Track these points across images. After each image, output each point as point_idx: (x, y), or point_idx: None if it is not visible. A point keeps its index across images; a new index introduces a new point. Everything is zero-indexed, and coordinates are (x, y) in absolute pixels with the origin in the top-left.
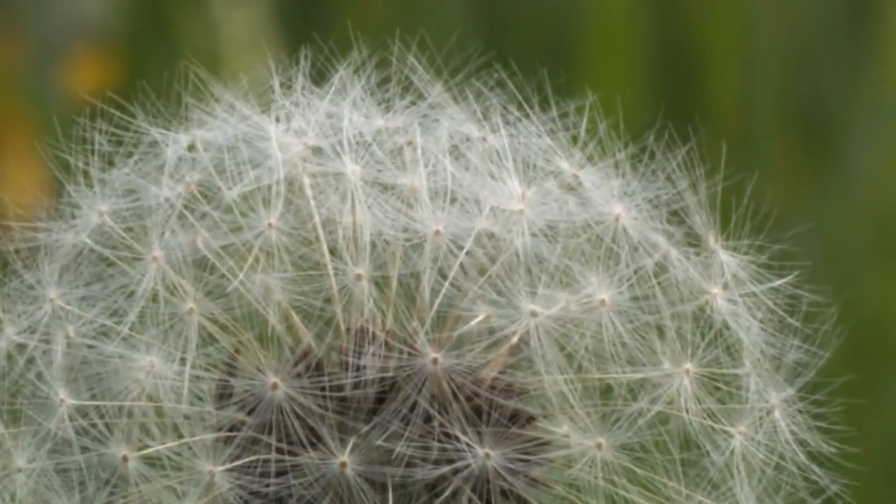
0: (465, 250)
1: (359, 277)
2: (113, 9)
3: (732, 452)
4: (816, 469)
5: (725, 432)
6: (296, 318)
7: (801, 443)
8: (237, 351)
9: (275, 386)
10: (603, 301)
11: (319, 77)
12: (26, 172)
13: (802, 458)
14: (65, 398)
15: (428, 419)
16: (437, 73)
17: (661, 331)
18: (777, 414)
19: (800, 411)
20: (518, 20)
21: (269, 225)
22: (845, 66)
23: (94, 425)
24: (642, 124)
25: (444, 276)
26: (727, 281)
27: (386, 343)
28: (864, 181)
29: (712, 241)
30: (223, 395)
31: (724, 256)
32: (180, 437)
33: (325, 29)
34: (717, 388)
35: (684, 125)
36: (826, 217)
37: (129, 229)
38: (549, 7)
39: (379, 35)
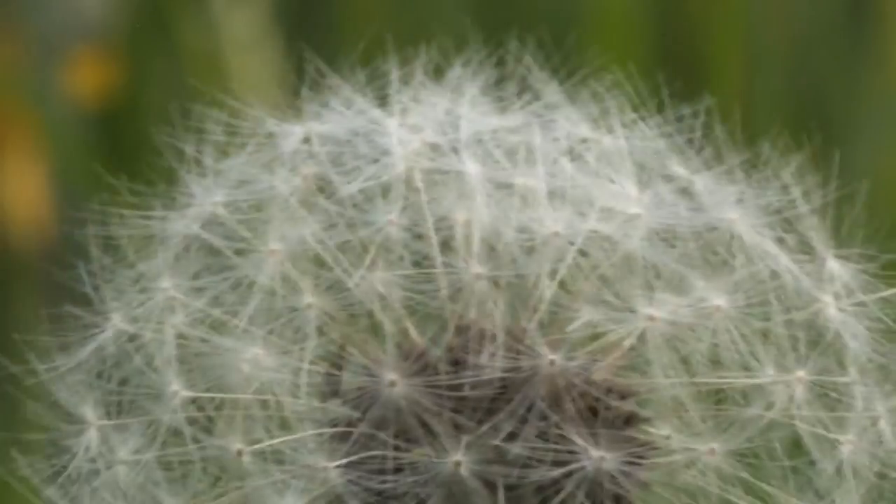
0: (581, 252)
1: (477, 276)
2: (113, 9)
3: (841, 461)
4: None
5: (834, 440)
6: (411, 317)
7: None
8: (352, 347)
9: (393, 383)
10: (718, 307)
11: (435, 75)
12: (26, 172)
13: None
14: (177, 388)
15: (543, 420)
16: (553, 73)
17: (773, 338)
18: (883, 423)
19: None
20: (519, 21)
21: (390, 221)
22: (845, 66)
23: (206, 417)
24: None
25: (561, 278)
26: (838, 290)
27: (503, 343)
28: (864, 180)
29: (824, 249)
30: (336, 392)
31: (834, 265)
32: (293, 432)
33: (325, 29)
34: (826, 397)
35: (805, 133)
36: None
37: (243, 220)
38: (550, 8)
39: (378, 35)
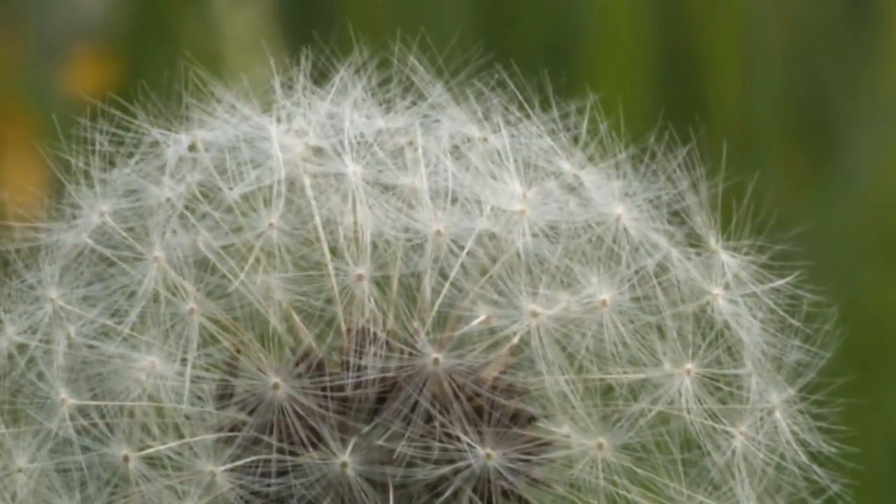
0: (466, 250)
1: (360, 278)
2: (113, 9)
3: (734, 453)
4: (817, 469)
5: (726, 432)
6: (297, 319)
7: (802, 443)
8: (238, 351)
9: (276, 386)
10: (604, 301)
11: (320, 77)
12: (26, 172)
13: (803, 458)
14: (66, 398)
15: (429, 419)
16: (438, 73)
17: (662, 331)
18: (778, 414)
19: (801, 411)
20: (520, 21)
21: (270, 225)
22: (845, 67)
23: (94, 425)
24: (644, 125)
25: (446, 277)
26: (728, 281)
27: (387, 343)
28: (864, 181)
29: (713, 241)
30: (224, 396)
31: (725, 257)
32: (181, 437)
33: (326, 29)
34: (718, 389)
35: (685, 126)
36: (826, 217)
37: (131, 229)
38: (551, 8)
39: (379, 35)
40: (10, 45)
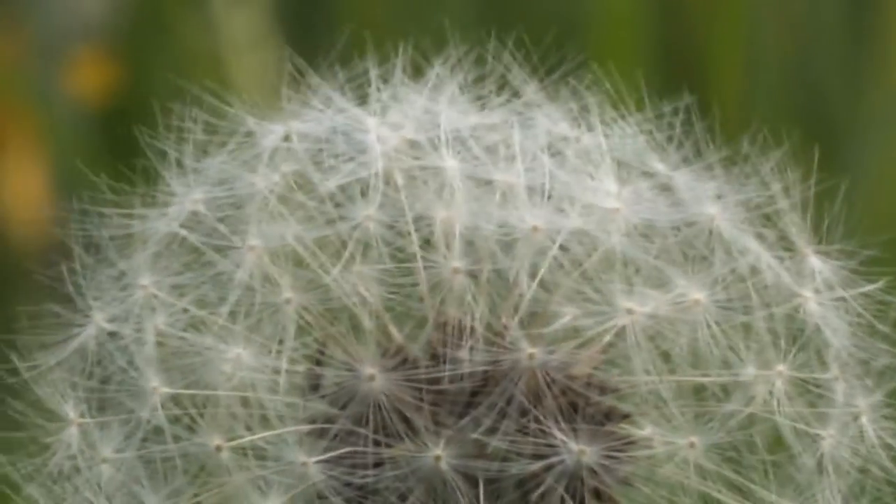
0: (560, 246)
1: (455, 271)
2: (113, 9)
3: (821, 456)
4: None
5: (815, 435)
6: (390, 312)
7: (888, 447)
8: (332, 342)
9: (371, 378)
10: (697, 301)
11: (415, 73)
12: (27, 172)
13: (888, 462)
14: (157, 385)
15: (523, 414)
16: (533, 71)
17: (753, 333)
18: (864, 418)
19: (887, 416)
20: (521, 17)
21: (368, 216)
22: (845, 66)
23: (186, 415)
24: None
25: (539, 272)
26: (818, 285)
27: (482, 337)
28: (865, 181)
29: (804, 244)
30: (316, 387)
31: (815, 260)
32: (272, 428)
33: (325, 29)
34: (807, 392)
35: (784, 129)
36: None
37: (224, 218)
38: (551, 6)
39: (378, 35)
40: (10, 45)
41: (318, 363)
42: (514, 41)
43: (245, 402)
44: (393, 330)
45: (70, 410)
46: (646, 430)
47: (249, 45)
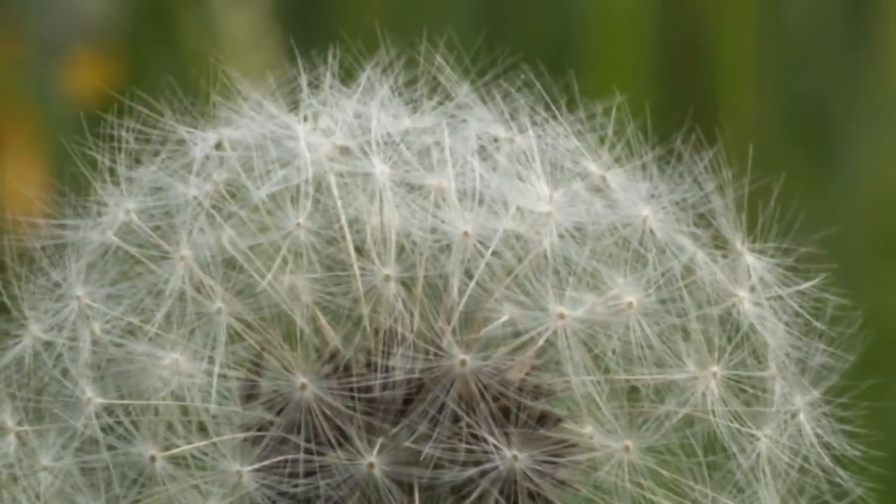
0: (492, 251)
1: (387, 278)
2: (113, 9)
3: (758, 455)
4: (841, 472)
5: (751, 435)
6: (323, 319)
7: (826, 445)
8: (265, 350)
9: (303, 386)
10: (630, 303)
11: (346, 77)
12: (26, 172)
13: (827, 460)
14: (92, 396)
15: (456, 420)
16: (464, 73)
17: (687, 333)
18: (802, 417)
19: (825, 414)
20: (522, 20)
21: (298, 225)
22: (845, 67)
23: (120, 424)
24: (644, 124)
25: (472, 278)
26: (754, 284)
27: (414, 344)
28: (864, 181)
29: (739, 243)
30: (250, 395)
31: (750, 259)
32: (207, 436)
33: (324, 29)
34: (743, 391)
35: (716, 128)
36: (826, 217)
37: (157, 227)
38: (553, 8)
39: (377, 34)
40: (10, 45)
41: (254, 371)
42: (446, 42)
43: (182, 410)
44: (328, 335)
45: (8, 419)
46: (580, 434)
47: (249, 45)
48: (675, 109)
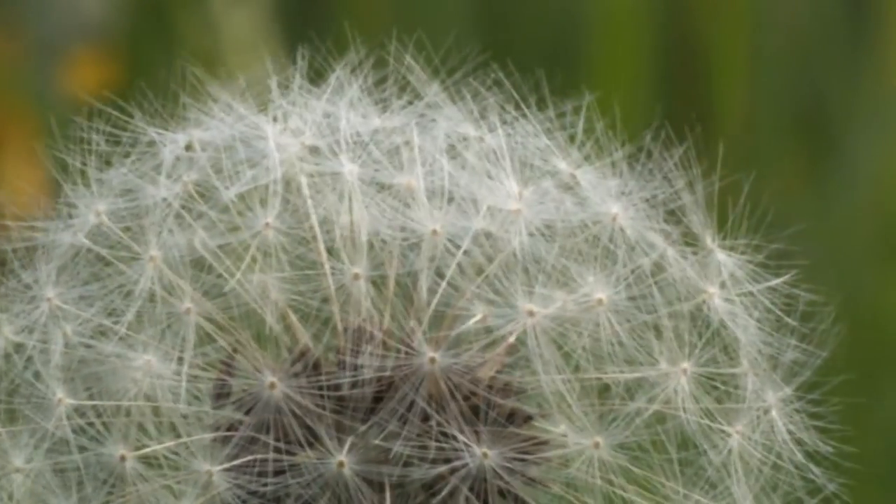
0: (462, 250)
1: (356, 277)
2: (113, 9)
3: (730, 452)
4: (814, 468)
5: (723, 431)
6: (293, 318)
7: (799, 442)
8: (235, 350)
9: (272, 385)
10: (600, 300)
11: (317, 77)
12: (26, 172)
13: (800, 457)
14: (62, 397)
15: (425, 418)
16: (434, 72)
17: (658, 330)
18: (774, 413)
19: (797, 410)
20: (520, 20)
21: (266, 224)
22: (845, 67)
23: (91, 425)
24: (643, 124)
25: (442, 276)
26: (724, 280)
27: (383, 342)
28: (864, 181)
29: (709, 240)
30: (220, 395)
31: (721, 256)
32: (178, 436)
33: (325, 29)
34: (715, 388)
35: (684, 125)
36: (826, 217)
37: (127, 229)
38: (551, 7)
39: (378, 35)
40: (10, 45)
41: (224, 371)
42: (415, 42)
43: (153, 411)
44: (298, 334)
45: None
46: (550, 431)
47: (249, 45)
48: (675, 109)
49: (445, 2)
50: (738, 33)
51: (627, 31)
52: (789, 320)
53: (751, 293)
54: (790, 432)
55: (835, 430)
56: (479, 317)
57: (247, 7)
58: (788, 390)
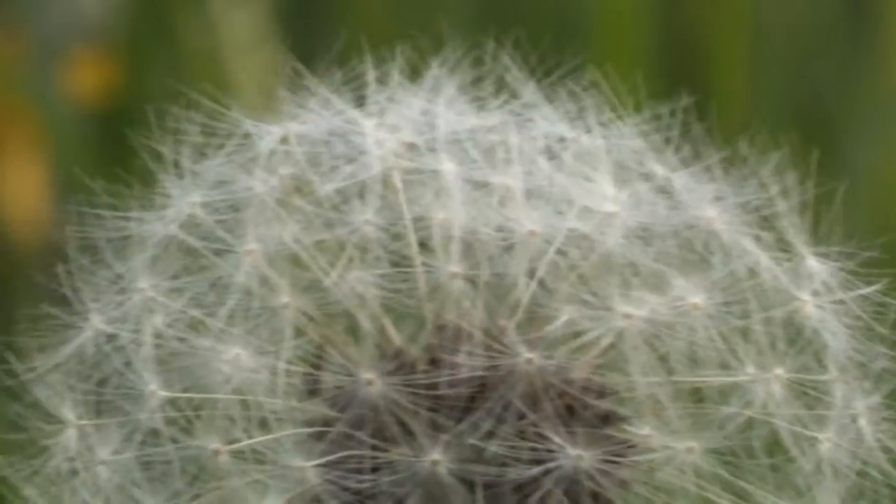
0: (557, 250)
1: (453, 275)
2: (113, 9)
3: (819, 458)
4: None
5: (813, 438)
6: (387, 317)
7: (886, 450)
8: (329, 346)
9: (370, 382)
10: (696, 304)
11: (413, 74)
12: (26, 172)
13: (886, 465)
14: (155, 389)
15: (520, 418)
16: (530, 72)
17: (751, 335)
18: (862, 421)
19: (885, 418)
20: (521, 18)
21: (366, 221)
22: (845, 66)
23: (183, 418)
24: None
25: (537, 276)
26: (816, 288)
27: (481, 342)
28: (864, 180)
29: (802, 247)
30: (313, 391)
31: (813, 263)
32: (269, 431)
33: (325, 29)
34: (805, 394)
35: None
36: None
37: (221, 221)
38: (551, 7)
39: (377, 34)
40: (10, 45)
41: (317, 366)
42: (513, 42)
43: (243, 405)
44: (392, 332)
45: (68, 412)
46: (644, 434)
47: (249, 45)
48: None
49: (445, 2)
50: (738, 33)
51: (627, 31)
52: (880, 329)
53: (842, 301)
54: (878, 440)
55: None
56: (574, 318)
57: (247, 7)
58: (877, 398)
